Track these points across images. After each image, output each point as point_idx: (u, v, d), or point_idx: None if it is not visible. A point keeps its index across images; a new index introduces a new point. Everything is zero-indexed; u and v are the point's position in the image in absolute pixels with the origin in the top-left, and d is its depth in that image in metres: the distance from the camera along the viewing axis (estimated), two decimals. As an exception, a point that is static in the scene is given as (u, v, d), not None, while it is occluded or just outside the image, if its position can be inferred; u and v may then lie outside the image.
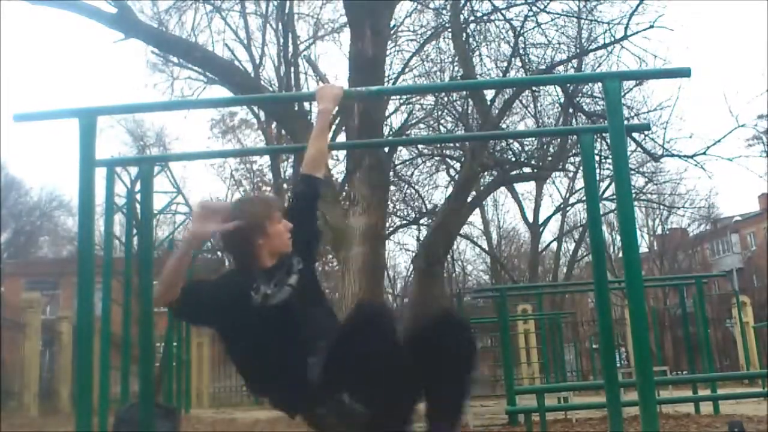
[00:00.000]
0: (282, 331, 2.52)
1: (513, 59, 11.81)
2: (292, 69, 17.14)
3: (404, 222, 17.96)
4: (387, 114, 13.48)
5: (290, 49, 17.05)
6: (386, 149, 10.85)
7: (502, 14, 11.63)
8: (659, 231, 34.50)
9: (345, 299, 8.19)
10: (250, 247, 2.62)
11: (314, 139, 3.01)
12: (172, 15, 13.58)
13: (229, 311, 2.50)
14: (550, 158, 13.57)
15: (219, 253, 28.57)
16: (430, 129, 14.10)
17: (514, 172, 13.71)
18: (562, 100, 12.67)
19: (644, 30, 10.82)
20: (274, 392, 2.62)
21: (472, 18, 11.82)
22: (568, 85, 11.42)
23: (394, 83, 13.08)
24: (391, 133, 13.60)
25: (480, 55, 12.46)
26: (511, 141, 12.77)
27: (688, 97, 37.07)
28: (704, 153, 11.61)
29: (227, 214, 2.63)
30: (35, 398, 14.03)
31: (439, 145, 13.99)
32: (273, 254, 2.67)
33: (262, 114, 19.53)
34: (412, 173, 15.72)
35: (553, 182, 23.28)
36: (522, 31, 11.56)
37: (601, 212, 8.75)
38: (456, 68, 12.46)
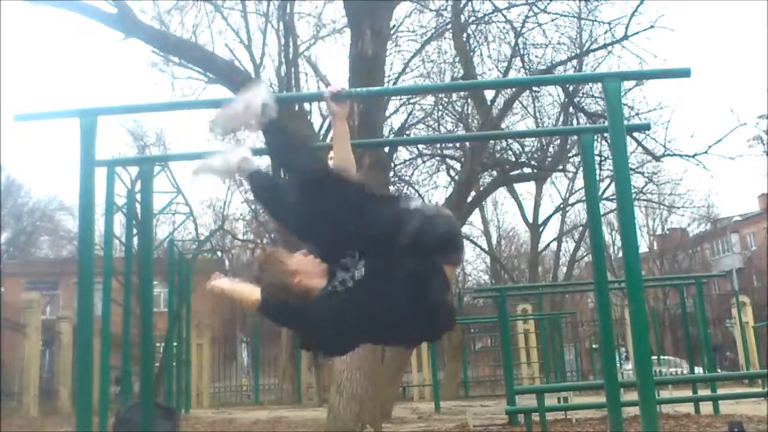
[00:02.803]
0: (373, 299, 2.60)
1: (513, 59, 11.82)
2: (293, 69, 17.14)
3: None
4: (387, 114, 13.48)
5: (291, 49, 17.05)
6: (386, 149, 10.84)
7: (502, 14, 11.64)
8: (659, 231, 34.51)
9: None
10: (295, 291, 2.67)
11: (336, 145, 3.00)
12: (173, 15, 13.62)
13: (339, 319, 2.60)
14: (550, 158, 13.57)
15: (219, 253, 28.63)
16: (430, 129, 14.10)
17: (514, 172, 13.72)
18: (562, 100, 12.68)
19: (644, 30, 10.84)
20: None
21: (472, 18, 11.82)
22: (568, 85, 11.43)
23: (394, 84, 13.07)
24: (391, 133, 13.59)
25: (480, 55, 12.47)
26: (511, 141, 12.78)
27: (689, 97, 37.08)
28: (705, 152, 11.64)
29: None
30: (35, 398, 14.03)
31: (439, 145, 13.99)
32: (316, 275, 2.70)
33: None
34: (412, 173, 15.72)
35: (553, 182, 23.26)
36: (522, 32, 11.57)
37: (601, 212, 8.76)
38: (456, 69, 12.47)
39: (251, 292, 2.82)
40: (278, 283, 2.68)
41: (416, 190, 16.06)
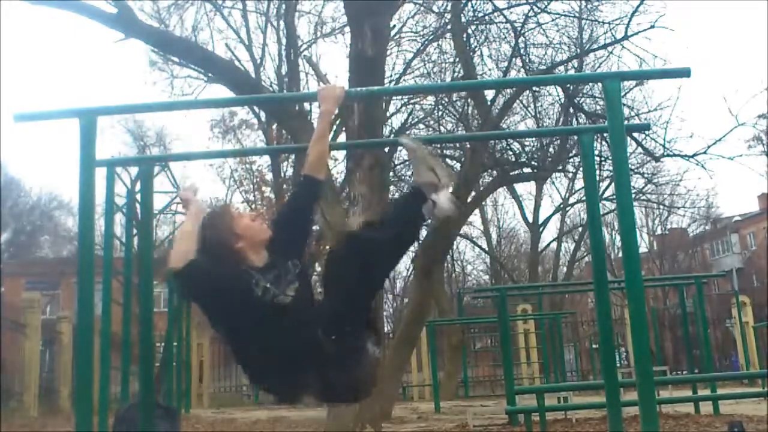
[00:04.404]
0: (284, 328, 2.56)
1: (513, 59, 11.81)
2: (293, 68, 17.16)
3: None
4: (388, 114, 13.50)
5: (291, 48, 17.06)
6: (386, 149, 10.85)
7: (503, 14, 11.63)
8: (659, 231, 34.51)
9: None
10: (234, 254, 2.64)
11: (316, 141, 3.01)
12: (172, 14, 13.65)
13: (231, 297, 2.55)
14: (550, 158, 13.57)
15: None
16: (430, 129, 14.10)
17: (514, 172, 13.71)
18: (562, 100, 12.68)
19: (645, 30, 10.83)
20: (280, 381, 2.67)
21: (473, 18, 11.81)
22: (569, 85, 11.42)
23: (396, 84, 13.08)
24: (391, 133, 13.60)
25: (481, 55, 12.47)
26: (511, 141, 12.78)
27: (688, 97, 37.10)
28: (705, 152, 11.63)
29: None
30: (35, 398, 14.03)
31: (439, 145, 13.99)
32: (256, 248, 2.68)
33: (262, 114, 19.53)
34: (412, 173, 15.69)
35: (553, 182, 23.27)
36: (523, 32, 11.55)
37: (601, 212, 8.76)
38: (457, 69, 12.47)
39: (190, 245, 2.65)
40: (218, 236, 2.64)
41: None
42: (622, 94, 4.57)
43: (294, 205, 3.00)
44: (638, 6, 10.66)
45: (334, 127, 13.20)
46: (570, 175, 19.48)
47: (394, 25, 12.25)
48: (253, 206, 22.66)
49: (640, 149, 12.57)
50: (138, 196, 5.20)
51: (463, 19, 11.43)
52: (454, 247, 25.77)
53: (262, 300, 2.55)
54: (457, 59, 11.97)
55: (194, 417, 12.70)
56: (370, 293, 2.81)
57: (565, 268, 28.08)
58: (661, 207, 24.87)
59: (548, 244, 28.81)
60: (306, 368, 2.57)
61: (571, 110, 12.25)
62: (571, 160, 14.43)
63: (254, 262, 2.65)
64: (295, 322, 2.57)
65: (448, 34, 12.41)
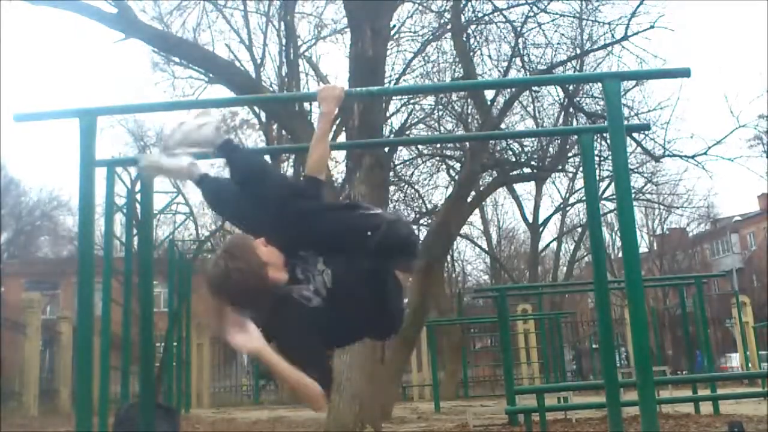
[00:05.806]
0: (348, 301, 2.61)
1: (513, 59, 11.82)
2: (293, 69, 17.15)
3: (404, 222, 17.92)
4: (387, 114, 13.49)
5: (291, 49, 17.06)
6: (386, 149, 10.84)
7: (502, 14, 11.63)
8: (659, 231, 34.50)
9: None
10: (265, 279, 2.58)
11: (317, 142, 2.99)
12: (174, 16, 13.65)
13: (300, 328, 2.54)
14: (550, 158, 13.58)
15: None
16: (430, 129, 14.10)
17: (514, 172, 13.72)
18: (562, 100, 12.69)
19: (644, 30, 10.85)
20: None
21: (473, 17, 11.82)
22: (568, 85, 11.43)
23: (395, 84, 13.07)
24: (391, 133, 13.59)
25: (481, 55, 12.48)
26: (511, 141, 12.78)
27: (688, 98, 37.09)
28: (705, 153, 11.64)
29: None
30: (35, 398, 14.03)
31: (439, 145, 13.99)
32: (278, 268, 2.64)
33: (262, 114, 19.53)
34: (412, 173, 15.71)
35: (553, 182, 23.25)
36: (522, 32, 11.56)
37: (601, 212, 8.76)
38: (457, 69, 12.47)
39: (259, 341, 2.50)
40: (250, 271, 2.54)
41: (416, 190, 16.08)
42: (622, 94, 4.58)
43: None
44: (638, 6, 10.69)
45: (334, 127, 13.18)
46: (570, 175, 19.49)
47: (394, 25, 12.24)
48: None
49: (640, 149, 12.58)
50: (138, 196, 5.21)
51: (462, 19, 11.43)
52: (454, 247, 25.75)
53: (316, 306, 2.56)
54: (457, 59, 11.98)
55: (194, 417, 12.70)
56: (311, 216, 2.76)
57: (565, 268, 28.06)
58: (661, 207, 24.86)
59: (548, 244, 28.79)
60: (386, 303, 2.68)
61: (571, 110, 12.26)
62: (571, 160, 14.44)
63: (282, 278, 2.62)
64: (351, 288, 2.61)
65: (448, 34, 12.41)
